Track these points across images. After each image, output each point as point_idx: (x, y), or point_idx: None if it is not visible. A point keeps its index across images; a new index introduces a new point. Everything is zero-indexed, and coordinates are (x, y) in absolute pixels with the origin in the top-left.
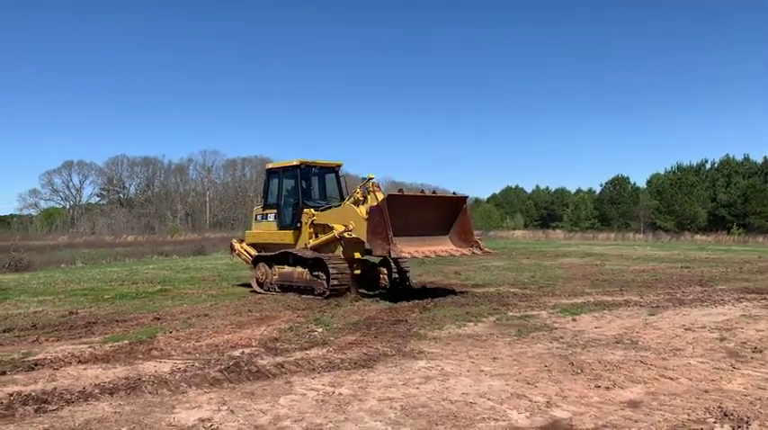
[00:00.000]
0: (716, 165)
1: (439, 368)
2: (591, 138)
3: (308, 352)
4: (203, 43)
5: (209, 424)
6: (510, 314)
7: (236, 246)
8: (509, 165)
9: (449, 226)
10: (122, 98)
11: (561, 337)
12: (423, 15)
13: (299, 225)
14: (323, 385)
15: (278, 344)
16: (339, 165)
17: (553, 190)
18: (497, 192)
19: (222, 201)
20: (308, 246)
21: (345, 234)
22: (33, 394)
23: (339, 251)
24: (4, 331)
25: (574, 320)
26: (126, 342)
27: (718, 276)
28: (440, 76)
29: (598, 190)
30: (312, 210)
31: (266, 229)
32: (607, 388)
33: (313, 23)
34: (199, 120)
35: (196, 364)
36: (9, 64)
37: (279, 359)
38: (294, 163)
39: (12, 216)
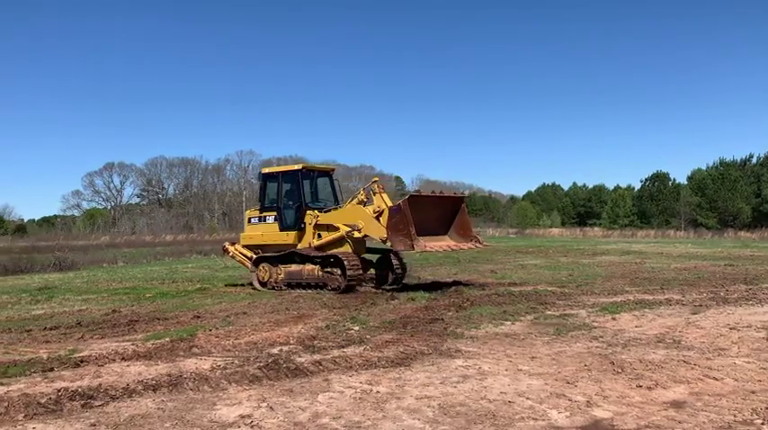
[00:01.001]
0: (761, 159)
1: (476, 367)
2: (630, 134)
3: (345, 350)
4: (239, 46)
5: (250, 420)
6: (548, 313)
7: (230, 248)
8: (545, 162)
9: (450, 223)
10: (160, 101)
11: (601, 336)
12: (457, 15)
13: (302, 226)
14: (360, 383)
15: (315, 342)
16: (333, 170)
17: (591, 187)
18: (533, 189)
19: (258, 201)
20: (312, 245)
21: (355, 233)
22: (80, 390)
23: (346, 249)
24: (51, 329)
25: (613, 319)
26: (167, 339)
27: (763, 274)
28: (472, 74)
29: (637, 186)
30: (316, 211)
31: (266, 231)
32: (649, 388)
33: (346, 25)
34: (235, 121)
35: (236, 362)
36: (51, 70)
37: (316, 357)
38: (296, 167)
39: (56, 217)
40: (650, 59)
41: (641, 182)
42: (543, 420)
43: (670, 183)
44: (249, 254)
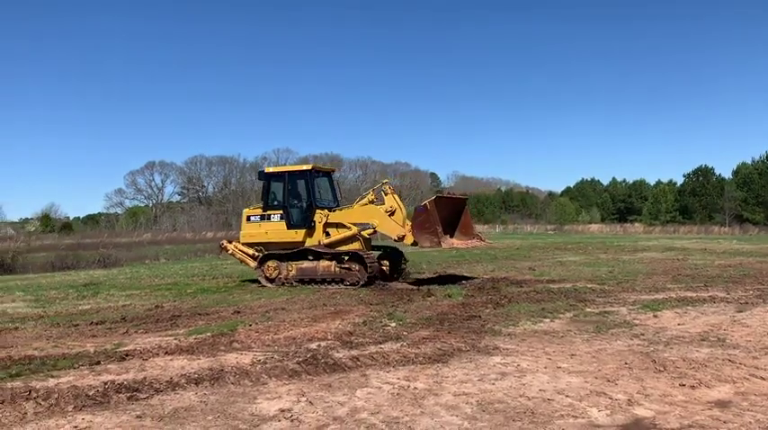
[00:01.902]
0: None
1: (515, 364)
2: (672, 129)
3: (382, 346)
4: (277, 47)
5: (290, 414)
6: (587, 310)
7: (229, 246)
8: (585, 158)
9: (457, 222)
10: (200, 100)
11: (642, 334)
12: (486, 14)
13: (312, 224)
14: (398, 379)
15: (353, 338)
16: (333, 171)
17: (631, 182)
18: (572, 185)
19: None
20: (322, 243)
21: (364, 232)
22: (126, 383)
23: (357, 246)
24: (97, 323)
25: (655, 317)
26: (209, 334)
27: None
28: (510, 70)
29: (679, 181)
30: (326, 210)
31: (270, 229)
32: (692, 386)
33: (382, 26)
34: (272, 119)
35: (275, 356)
36: (96, 72)
37: (354, 352)
38: (306, 167)
39: (100, 215)
40: (694, 55)
41: (684, 176)
42: (583, 418)
43: (714, 177)
44: (251, 251)
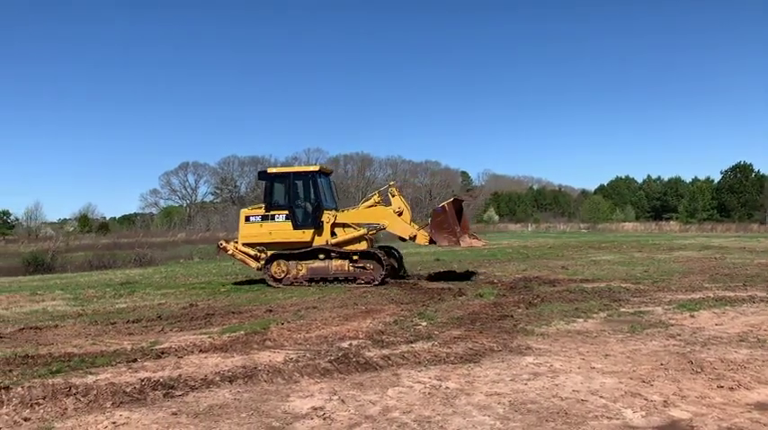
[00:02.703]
0: None
1: (548, 364)
2: (709, 124)
3: (413, 345)
4: (306, 49)
5: (322, 412)
6: (622, 310)
7: (230, 247)
8: (618, 155)
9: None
10: (232, 101)
11: (678, 334)
12: (522, 11)
13: (320, 224)
14: (429, 378)
15: (384, 337)
16: (331, 172)
17: (666, 179)
18: (606, 183)
19: None
20: (330, 243)
21: (370, 232)
22: (161, 380)
23: (363, 246)
24: (134, 321)
25: (692, 317)
26: (242, 333)
27: None
28: (542, 67)
29: (717, 178)
30: (333, 210)
31: (275, 229)
32: (731, 388)
33: (413, 26)
34: (302, 120)
35: (307, 355)
36: (132, 77)
37: (385, 351)
38: (313, 168)
39: (135, 215)
40: (733, 49)
41: (721, 173)
42: (618, 419)
43: (753, 174)
44: (252, 252)
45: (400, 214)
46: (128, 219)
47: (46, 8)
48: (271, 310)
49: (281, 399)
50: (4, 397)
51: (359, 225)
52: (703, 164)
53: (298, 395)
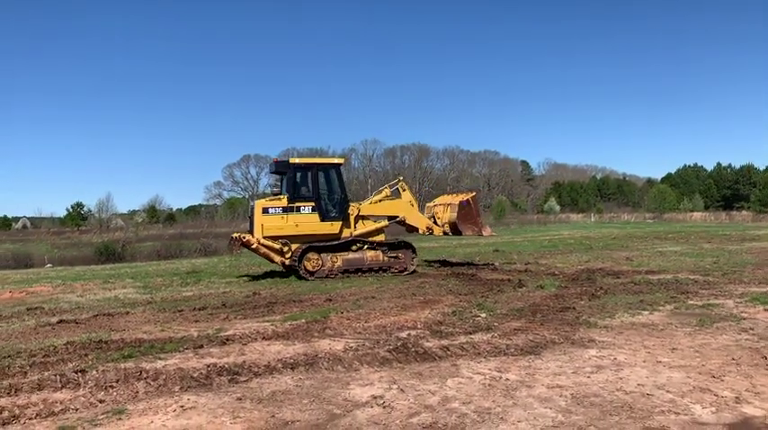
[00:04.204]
0: None
1: (611, 357)
2: None
3: (472, 336)
4: (363, 42)
5: (382, 401)
6: (690, 302)
7: (253, 240)
8: (687, 143)
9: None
10: (292, 96)
11: (751, 328)
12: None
13: (348, 216)
14: (489, 370)
15: (442, 328)
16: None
17: (738, 167)
18: (673, 171)
19: None
20: (353, 235)
21: (382, 223)
22: (226, 366)
23: (382, 237)
24: (200, 309)
25: (766, 310)
26: (303, 321)
27: None
28: (604, 56)
29: None
30: (358, 203)
31: (301, 221)
32: None
33: (470, 19)
34: (359, 111)
35: (366, 344)
36: (197, 74)
37: (444, 342)
38: (338, 161)
39: (200, 206)
40: None
41: None
42: (686, 415)
43: None
44: (277, 245)
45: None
46: (193, 210)
47: (128, 4)
48: (330, 299)
49: (341, 387)
50: (80, 379)
51: (377, 217)
52: None
53: (358, 383)
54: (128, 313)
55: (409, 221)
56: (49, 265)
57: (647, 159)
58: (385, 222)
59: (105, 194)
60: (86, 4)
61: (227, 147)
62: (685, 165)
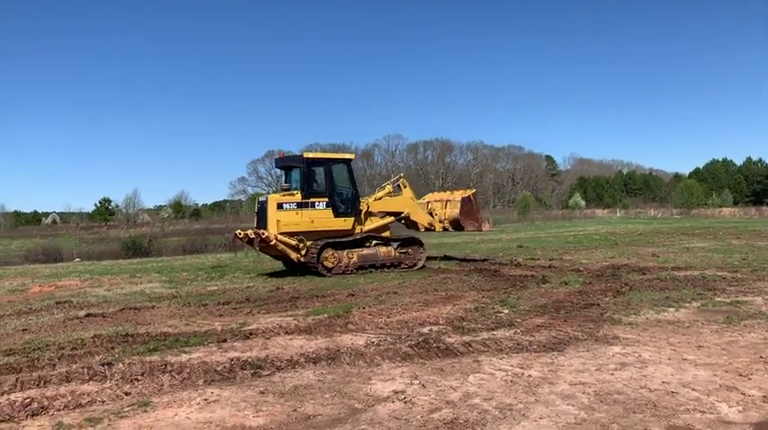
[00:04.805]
0: None
1: (636, 355)
2: None
3: (494, 332)
4: (384, 39)
5: (403, 396)
6: (717, 299)
7: (272, 236)
8: (715, 137)
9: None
10: (314, 91)
11: None
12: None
13: (359, 212)
14: (511, 366)
15: (464, 324)
16: None
17: None
18: (701, 166)
19: None
20: (363, 231)
21: (388, 218)
22: (250, 360)
23: (388, 233)
24: (224, 303)
25: None
26: (325, 316)
27: None
28: (628, 48)
29: None
30: (367, 198)
31: (317, 217)
32: None
33: (493, 12)
34: (382, 106)
35: (388, 339)
36: (220, 71)
37: (466, 338)
38: (349, 156)
39: (225, 201)
40: None
41: None
42: (711, 413)
43: None
44: (294, 242)
45: None
46: (218, 206)
47: (152, 4)
48: (352, 295)
49: (362, 382)
50: (107, 372)
51: (389, 214)
52: None
53: (379, 378)
54: (153, 307)
55: (413, 218)
56: (77, 260)
57: (675, 154)
58: (391, 218)
59: (132, 190)
60: (113, 4)
61: (252, 143)
62: (714, 160)
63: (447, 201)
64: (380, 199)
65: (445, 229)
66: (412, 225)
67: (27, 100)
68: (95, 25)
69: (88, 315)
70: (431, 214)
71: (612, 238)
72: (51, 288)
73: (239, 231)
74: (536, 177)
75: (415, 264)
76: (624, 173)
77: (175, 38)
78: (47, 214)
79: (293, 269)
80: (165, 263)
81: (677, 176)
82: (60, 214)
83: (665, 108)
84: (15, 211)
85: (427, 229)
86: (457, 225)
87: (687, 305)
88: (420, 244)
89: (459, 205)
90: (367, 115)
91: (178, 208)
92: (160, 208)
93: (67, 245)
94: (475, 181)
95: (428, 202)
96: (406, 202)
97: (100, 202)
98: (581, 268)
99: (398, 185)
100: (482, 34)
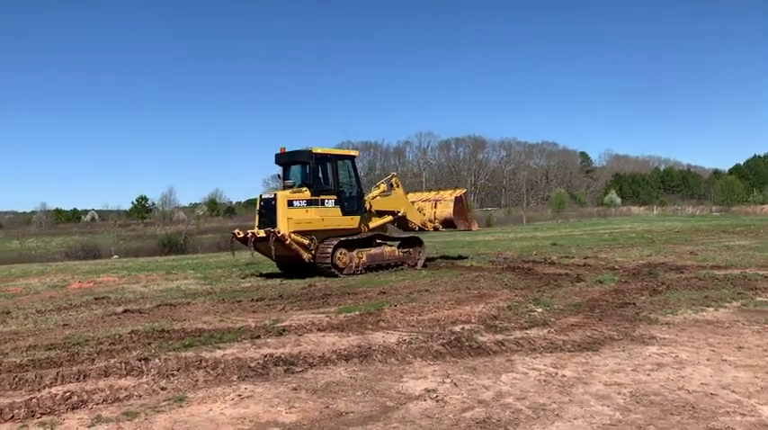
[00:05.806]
0: None
1: (673, 355)
2: None
3: (527, 331)
4: (419, 35)
5: (435, 394)
6: (759, 299)
7: (286, 234)
8: (757, 131)
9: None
10: (346, 88)
11: None
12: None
13: (364, 210)
14: (545, 366)
15: (497, 322)
16: None
17: None
18: (742, 162)
19: (437, 181)
20: (369, 229)
21: (386, 218)
22: (283, 356)
23: (386, 232)
24: (257, 300)
25: None
26: (357, 313)
27: None
28: (666, 42)
29: None
30: (369, 197)
31: (326, 215)
32: None
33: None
34: (414, 103)
35: (420, 337)
36: (256, 70)
37: (498, 337)
38: (352, 153)
39: None
40: None
41: None
42: (752, 416)
43: None
44: (306, 241)
45: None
46: (252, 203)
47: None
48: (384, 292)
49: (394, 380)
50: (144, 367)
51: (387, 212)
52: None
53: (411, 376)
54: (189, 303)
55: (408, 217)
56: (115, 256)
57: (714, 149)
58: (390, 217)
59: (168, 188)
60: (151, 3)
61: (285, 141)
62: (755, 155)
63: (436, 200)
64: (375, 198)
65: (435, 229)
66: (403, 224)
67: (69, 101)
68: (141, 24)
69: (125, 311)
70: (421, 213)
71: (649, 236)
72: (90, 284)
73: (238, 230)
74: (570, 174)
75: (416, 264)
76: (661, 169)
77: (211, 37)
78: (86, 212)
79: (288, 271)
80: (200, 260)
81: (717, 173)
82: (99, 212)
83: (705, 103)
84: (56, 209)
85: (420, 229)
86: (449, 224)
87: (727, 305)
88: (420, 243)
89: (452, 205)
90: (399, 112)
91: (213, 205)
92: (195, 205)
93: (106, 242)
94: (508, 178)
95: (414, 202)
96: (402, 202)
97: (137, 200)
98: (616, 266)
99: (391, 184)
100: (516, 30)
